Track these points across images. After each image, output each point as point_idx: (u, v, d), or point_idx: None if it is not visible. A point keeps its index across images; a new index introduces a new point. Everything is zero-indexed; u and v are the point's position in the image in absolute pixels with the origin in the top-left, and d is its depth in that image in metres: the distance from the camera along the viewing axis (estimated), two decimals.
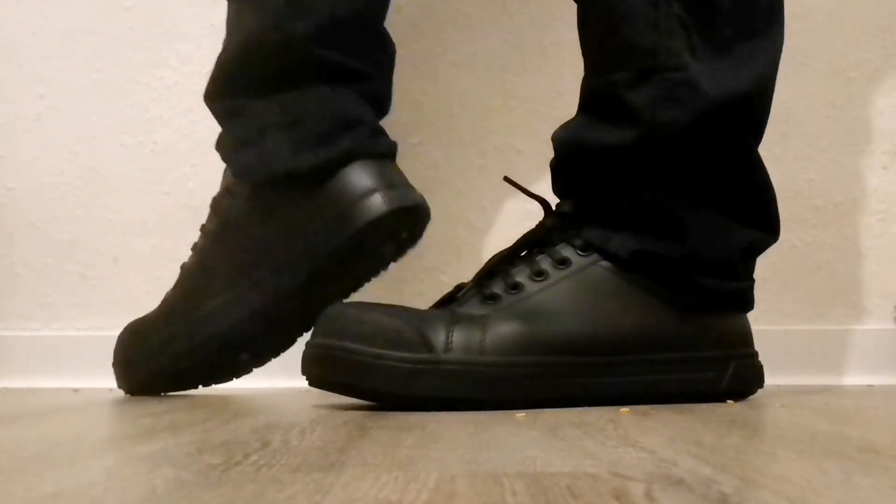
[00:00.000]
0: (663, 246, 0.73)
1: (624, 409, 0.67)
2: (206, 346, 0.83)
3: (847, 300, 1.05)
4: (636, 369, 0.73)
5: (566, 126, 0.78)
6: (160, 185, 1.08)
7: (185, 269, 0.88)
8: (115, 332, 1.07)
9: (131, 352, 0.89)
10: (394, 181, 0.79)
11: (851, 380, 1.02)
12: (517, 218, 1.08)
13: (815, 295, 1.05)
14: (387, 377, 0.68)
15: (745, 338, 0.79)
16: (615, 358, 0.73)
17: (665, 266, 0.74)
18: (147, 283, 1.07)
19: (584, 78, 0.78)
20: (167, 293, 0.89)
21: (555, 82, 1.07)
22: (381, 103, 0.84)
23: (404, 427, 0.56)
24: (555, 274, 0.73)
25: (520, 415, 0.63)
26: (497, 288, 0.73)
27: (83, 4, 1.09)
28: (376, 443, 0.48)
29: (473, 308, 0.72)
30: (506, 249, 0.77)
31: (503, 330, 0.71)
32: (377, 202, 0.77)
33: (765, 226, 0.79)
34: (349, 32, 0.81)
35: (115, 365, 0.91)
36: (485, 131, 1.08)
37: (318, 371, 0.71)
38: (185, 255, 1.08)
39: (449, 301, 0.75)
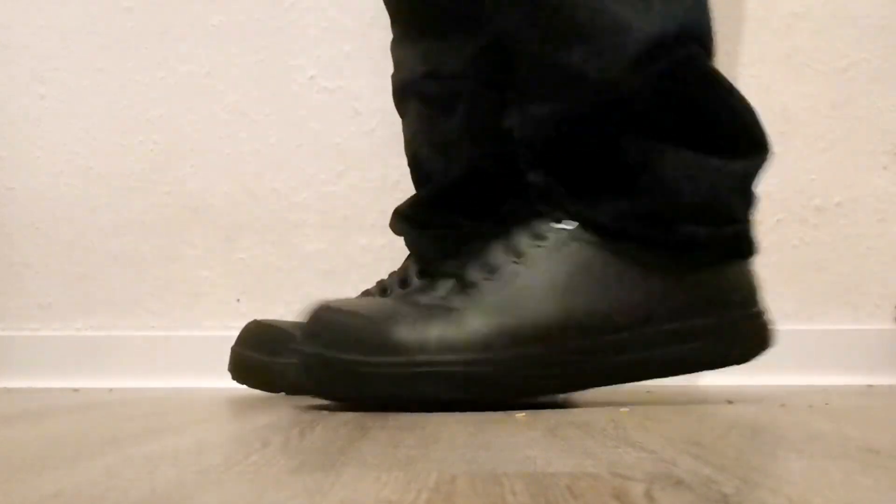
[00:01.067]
0: (644, 202, 0.69)
1: (624, 409, 0.67)
2: None
3: (847, 300, 1.05)
4: (628, 347, 0.68)
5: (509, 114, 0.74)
6: (160, 185, 1.08)
7: None
8: (115, 332, 1.07)
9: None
10: None
11: (851, 380, 1.02)
12: None
13: (815, 295, 1.05)
14: (364, 383, 0.66)
15: (746, 294, 0.72)
16: (605, 338, 0.68)
17: (651, 223, 0.69)
18: (147, 283, 1.07)
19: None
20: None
21: None
22: None
23: (404, 427, 0.56)
24: (533, 252, 0.69)
25: (520, 415, 0.63)
26: (474, 275, 0.69)
27: (83, 4, 1.09)
28: (376, 443, 0.48)
29: (447, 299, 0.68)
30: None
31: (480, 323, 0.66)
32: None
33: (750, 150, 0.72)
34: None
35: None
36: None
37: (309, 380, 0.68)
38: (185, 255, 1.08)
39: (405, 286, 0.73)
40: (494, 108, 0.77)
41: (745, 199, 0.72)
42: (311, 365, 0.67)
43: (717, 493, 0.33)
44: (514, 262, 0.68)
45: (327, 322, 0.67)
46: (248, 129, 1.08)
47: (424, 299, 0.69)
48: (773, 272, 1.04)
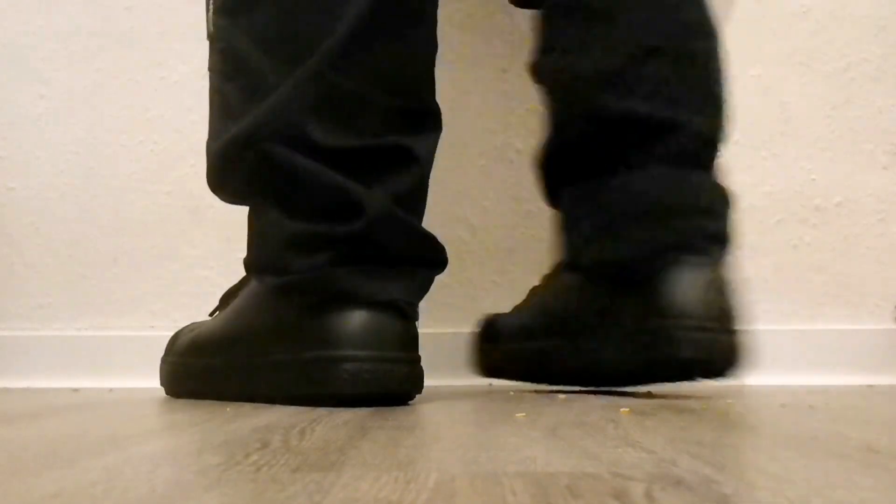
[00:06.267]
0: (253, 256, 0.80)
1: (624, 409, 0.67)
2: None
3: (847, 300, 1.05)
4: (256, 368, 0.77)
5: None
6: (160, 185, 1.08)
7: None
8: (115, 332, 1.07)
9: None
10: None
11: (851, 380, 1.02)
12: (517, 218, 1.08)
13: (815, 295, 1.05)
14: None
15: (326, 335, 0.73)
16: (251, 358, 0.78)
17: (258, 272, 0.80)
18: (147, 283, 1.07)
19: None
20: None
21: None
22: None
23: (404, 427, 0.56)
24: (243, 292, 0.82)
25: (520, 415, 0.63)
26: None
27: (83, 4, 1.09)
28: (376, 443, 0.48)
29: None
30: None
31: (190, 337, 0.86)
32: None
33: (313, 216, 0.75)
34: None
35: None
36: (485, 131, 1.08)
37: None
38: (185, 255, 1.08)
39: None
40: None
41: (310, 254, 0.75)
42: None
43: (717, 493, 0.33)
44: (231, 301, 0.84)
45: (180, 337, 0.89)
46: None
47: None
48: (773, 272, 1.05)
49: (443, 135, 1.10)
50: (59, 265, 1.08)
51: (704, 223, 0.81)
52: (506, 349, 0.91)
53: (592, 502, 0.31)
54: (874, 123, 1.06)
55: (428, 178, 0.80)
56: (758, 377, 1.03)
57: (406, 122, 0.78)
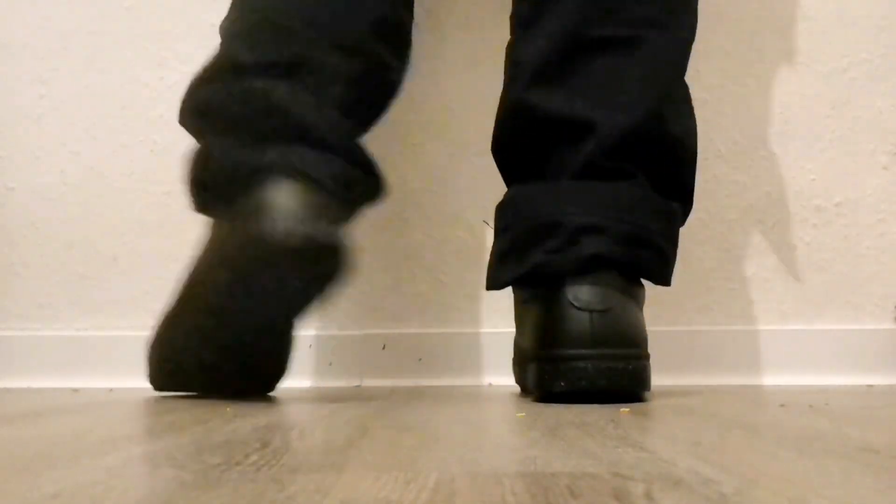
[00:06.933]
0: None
1: (624, 409, 0.67)
2: None
3: (847, 300, 1.05)
4: None
5: None
6: (160, 185, 1.08)
7: None
8: (115, 332, 1.07)
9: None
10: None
11: (851, 380, 1.02)
12: None
13: (815, 295, 1.05)
14: None
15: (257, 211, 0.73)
16: None
17: None
18: (147, 283, 1.07)
19: None
20: None
21: None
22: None
23: (404, 427, 0.56)
24: None
25: (520, 415, 0.63)
26: None
27: (83, 4, 1.09)
28: (376, 443, 0.48)
29: None
30: None
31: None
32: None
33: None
34: None
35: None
36: (485, 131, 1.08)
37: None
38: (185, 255, 1.07)
39: None
40: None
41: (240, 76, 0.79)
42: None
43: (717, 493, 0.33)
44: None
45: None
46: None
47: None
48: (773, 272, 1.05)
49: (443, 134, 1.10)
50: (59, 265, 1.08)
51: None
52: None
53: (592, 502, 0.31)
54: (874, 123, 1.06)
55: (367, 102, 0.81)
56: (758, 377, 1.03)
57: (349, 61, 0.79)
